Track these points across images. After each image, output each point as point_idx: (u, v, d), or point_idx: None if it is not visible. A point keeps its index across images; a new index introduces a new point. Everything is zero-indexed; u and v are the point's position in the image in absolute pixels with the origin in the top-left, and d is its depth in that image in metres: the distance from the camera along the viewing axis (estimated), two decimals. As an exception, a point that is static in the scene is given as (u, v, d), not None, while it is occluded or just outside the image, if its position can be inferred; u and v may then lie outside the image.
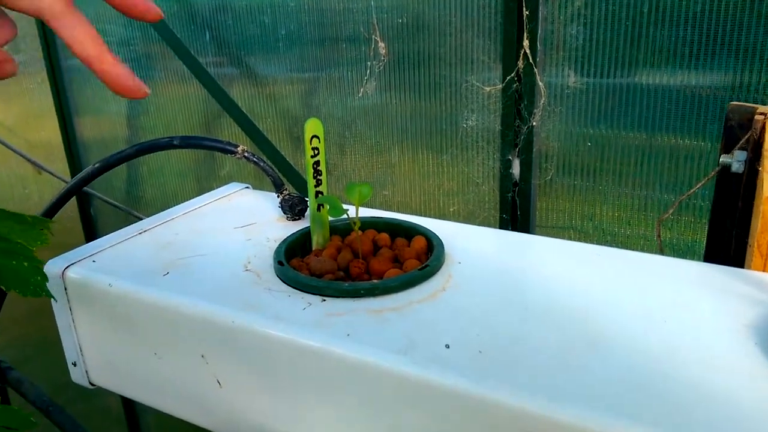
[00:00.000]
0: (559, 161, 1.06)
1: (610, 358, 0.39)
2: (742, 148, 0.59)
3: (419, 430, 0.40)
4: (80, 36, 0.35)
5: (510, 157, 1.08)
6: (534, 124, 1.04)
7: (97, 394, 2.22)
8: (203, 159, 1.62)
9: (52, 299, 0.55)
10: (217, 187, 0.76)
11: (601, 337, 0.42)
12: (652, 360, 0.39)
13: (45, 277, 0.45)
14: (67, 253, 0.57)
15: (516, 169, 1.09)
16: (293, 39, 1.30)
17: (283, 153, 1.41)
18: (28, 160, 1.96)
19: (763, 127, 0.57)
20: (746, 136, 0.58)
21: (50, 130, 1.90)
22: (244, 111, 1.44)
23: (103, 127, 1.82)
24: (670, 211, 0.89)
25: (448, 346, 0.41)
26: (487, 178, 1.13)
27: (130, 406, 2.10)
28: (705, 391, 0.36)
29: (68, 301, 0.55)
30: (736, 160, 0.59)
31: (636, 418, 0.34)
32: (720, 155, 0.61)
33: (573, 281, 0.50)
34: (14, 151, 1.95)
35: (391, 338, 0.42)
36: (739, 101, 0.62)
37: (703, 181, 0.66)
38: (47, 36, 1.75)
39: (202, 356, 0.49)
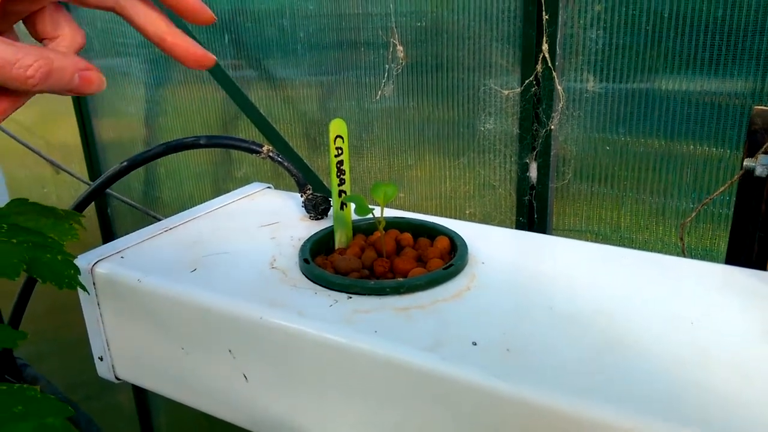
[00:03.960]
0: (577, 165, 1.06)
1: (638, 359, 0.40)
2: (766, 152, 0.59)
3: (446, 428, 0.41)
4: (152, 18, 0.39)
5: (527, 161, 1.08)
6: (552, 127, 1.04)
7: (110, 392, 2.23)
8: (220, 161, 1.63)
9: (83, 292, 0.56)
10: (233, 189, 0.77)
11: (628, 338, 0.42)
12: (681, 362, 0.39)
13: (77, 270, 0.45)
14: (95, 249, 0.58)
15: (533, 173, 1.09)
16: (312, 42, 1.31)
17: (299, 154, 1.42)
18: (47, 160, 1.98)
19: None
20: (770, 141, 0.58)
21: (68, 131, 1.92)
22: (262, 113, 1.45)
23: (121, 128, 1.84)
24: (693, 215, 0.88)
25: (475, 344, 0.41)
26: (504, 181, 1.13)
27: (143, 404, 2.11)
28: (735, 393, 0.36)
29: (96, 295, 0.56)
30: (760, 164, 0.59)
31: (666, 419, 0.34)
32: (743, 159, 0.61)
33: (597, 282, 0.50)
34: (33, 150, 1.97)
35: (418, 335, 0.43)
36: (762, 106, 0.62)
37: (726, 185, 0.66)
38: (67, 37, 1.76)
39: (230, 351, 0.49)
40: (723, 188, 0.79)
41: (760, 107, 0.62)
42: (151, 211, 1.75)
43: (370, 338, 0.43)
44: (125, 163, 0.63)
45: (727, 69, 0.91)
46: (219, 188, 1.68)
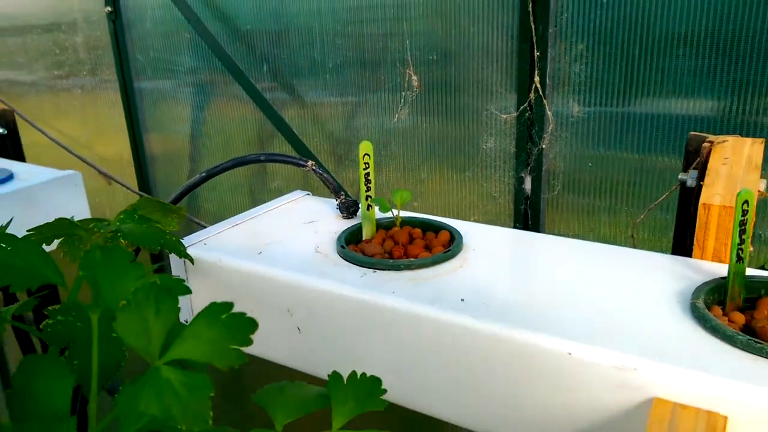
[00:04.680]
0: (565, 179, 1.22)
1: (577, 310, 0.56)
2: (695, 168, 0.75)
3: (441, 355, 0.58)
4: None
5: (522, 175, 1.25)
6: (543, 146, 1.21)
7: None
8: (256, 174, 1.81)
9: (176, 267, 0.73)
10: (268, 198, 0.95)
11: (577, 296, 0.59)
12: (608, 311, 0.56)
13: (184, 246, 0.63)
14: (184, 238, 0.76)
15: (528, 185, 1.26)
16: (339, 71, 1.49)
17: (326, 168, 1.60)
18: (100, 172, 2.19)
19: (709, 152, 0.73)
20: (698, 159, 0.75)
21: (120, 146, 2.12)
22: (295, 132, 1.63)
23: (169, 144, 2.04)
24: (642, 217, 1.05)
25: (462, 300, 0.58)
26: (503, 192, 1.30)
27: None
28: (641, 326, 0.53)
29: (186, 272, 0.74)
30: (690, 177, 0.75)
31: (591, 342, 0.51)
32: (680, 174, 0.77)
33: (559, 261, 0.67)
34: (88, 163, 2.17)
35: (422, 295, 0.60)
36: (696, 132, 0.78)
37: (666, 194, 0.82)
38: (122, 61, 1.97)
39: (288, 310, 0.67)
40: (664, 197, 0.95)
41: (694, 133, 0.78)
42: (195, 218, 1.94)
43: (389, 297, 0.60)
44: (204, 174, 0.81)
45: (689, 97, 1.08)
46: (255, 198, 1.87)
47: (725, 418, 0.45)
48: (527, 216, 1.27)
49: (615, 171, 1.16)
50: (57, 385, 0.37)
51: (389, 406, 0.44)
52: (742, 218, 0.56)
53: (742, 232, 0.57)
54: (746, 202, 0.56)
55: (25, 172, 1.23)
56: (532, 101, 1.19)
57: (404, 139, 1.41)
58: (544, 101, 1.17)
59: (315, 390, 0.46)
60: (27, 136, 1.64)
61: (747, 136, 1.03)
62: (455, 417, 0.59)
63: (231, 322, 0.36)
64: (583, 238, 1.27)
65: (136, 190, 2.09)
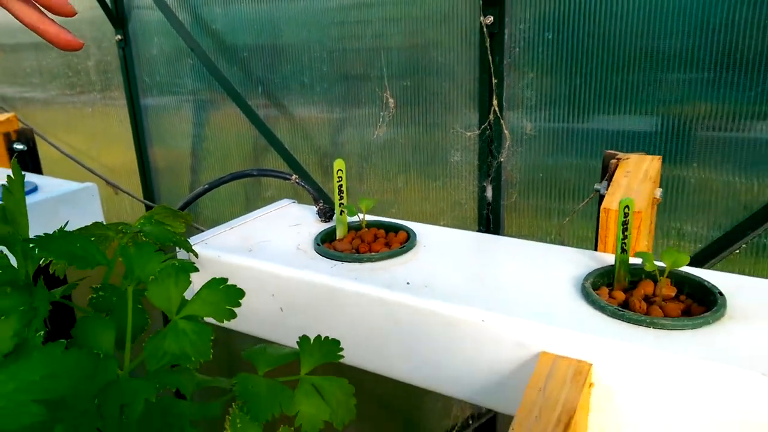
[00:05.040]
0: (521, 187, 1.37)
1: (494, 290, 0.71)
2: (606, 180, 0.91)
3: (392, 328, 0.73)
4: (27, 10, 0.47)
5: (485, 184, 1.40)
6: (501, 159, 1.36)
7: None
8: (251, 185, 1.96)
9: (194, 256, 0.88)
10: (262, 206, 1.10)
11: (497, 280, 0.74)
12: (517, 290, 0.71)
13: (191, 245, 0.77)
14: (189, 238, 0.91)
15: (489, 193, 1.41)
16: (325, 93, 1.65)
17: (314, 178, 1.75)
18: (108, 183, 2.33)
19: (616, 167, 0.89)
20: (609, 172, 0.90)
21: (127, 159, 2.27)
22: (286, 146, 1.78)
23: (171, 157, 2.19)
24: (567, 219, 1.20)
25: (408, 283, 0.74)
26: (468, 199, 1.45)
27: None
28: (539, 300, 0.68)
29: (191, 266, 0.89)
30: (603, 187, 0.90)
31: (499, 312, 0.66)
32: (596, 184, 0.92)
33: (493, 256, 0.82)
34: (97, 175, 2.32)
35: (378, 281, 0.75)
36: (610, 150, 0.94)
37: (585, 201, 0.97)
38: (130, 83, 2.12)
39: (273, 295, 0.82)
40: (584, 203, 1.10)
41: (608, 151, 0.94)
42: (195, 224, 2.09)
43: (352, 282, 0.75)
44: (206, 186, 0.96)
45: (620, 114, 1.24)
46: (249, 206, 2.02)
47: (590, 364, 0.61)
48: (489, 220, 1.42)
49: (562, 179, 1.31)
50: (103, 335, 0.51)
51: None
52: (624, 219, 0.71)
53: (625, 229, 0.72)
54: (627, 206, 0.71)
55: (47, 185, 1.38)
56: (491, 121, 1.34)
57: (383, 153, 1.56)
58: (502, 121, 1.33)
59: (289, 349, 0.61)
60: (41, 150, 1.79)
61: (669, 149, 1.18)
62: (399, 374, 0.74)
63: (226, 290, 0.51)
64: (537, 238, 1.42)
65: (142, 198, 2.24)
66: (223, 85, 1.81)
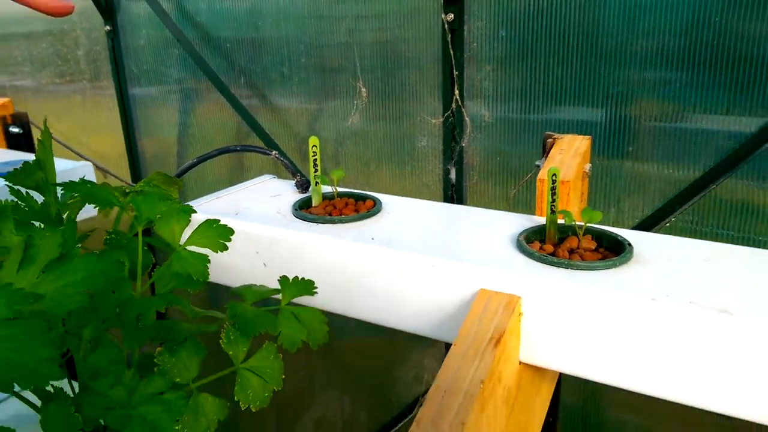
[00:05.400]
0: (480, 170, 1.50)
1: (445, 243, 0.83)
2: (544, 156, 1.03)
3: (358, 274, 0.84)
4: None
5: (449, 167, 1.53)
6: (463, 144, 1.49)
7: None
8: (236, 167, 2.06)
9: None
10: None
11: (447, 235, 0.85)
12: (464, 243, 0.83)
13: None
14: (182, 204, 1.01)
15: (453, 176, 1.53)
16: (303, 83, 1.75)
17: (292, 160, 1.85)
18: (98, 167, 2.41)
19: (552, 145, 1.01)
20: (546, 150, 1.03)
21: (115, 145, 2.35)
22: (267, 132, 1.89)
23: (159, 143, 2.28)
24: (514, 192, 1.33)
25: (373, 239, 0.85)
26: (434, 182, 1.57)
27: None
28: (482, 250, 0.80)
29: (183, 228, 0.99)
30: (541, 163, 1.03)
31: (447, 258, 0.78)
32: (536, 161, 1.05)
33: (446, 218, 0.94)
34: (86, 159, 2.40)
35: (347, 236, 0.86)
36: (549, 132, 1.06)
37: (529, 176, 1.09)
38: (118, 71, 2.20)
39: (257, 252, 0.93)
40: (527, 177, 1.23)
41: (547, 133, 1.06)
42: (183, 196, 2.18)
43: (325, 237, 0.87)
44: (195, 160, 1.06)
45: (569, 104, 1.36)
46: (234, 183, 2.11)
47: (519, 298, 0.73)
48: (453, 200, 1.54)
49: (516, 162, 1.44)
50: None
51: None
52: (552, 185, 0.84)
53: (553, 194, 0.84)
54: (554, 174, 0.83)
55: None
56: (454, 109, 1.46)
57: (356, 139, 1.67)
58: (463, 109, 1.45)
59: (271, 288, 0.72)
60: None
61: (609, 136, 1.31)
62: (363, 315, 0.86)
63: (219, 228, 0.62)
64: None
65: (130, 182, 2.33)
66: (207, 73, 1.90)
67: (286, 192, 1.10)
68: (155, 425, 0.51)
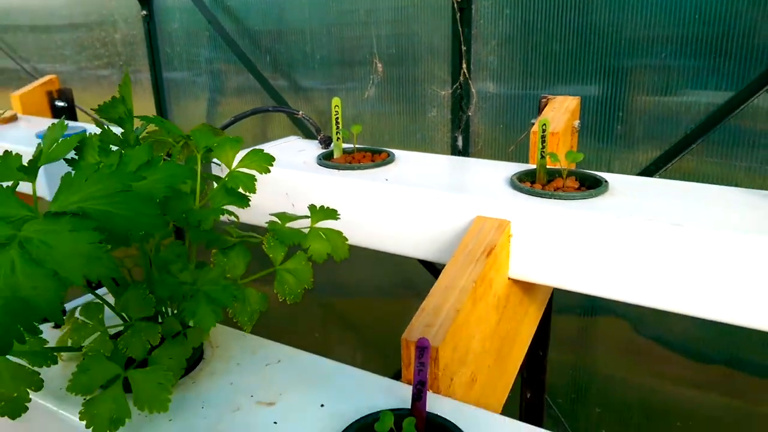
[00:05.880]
0: (485, 137, 1.62)
1: (450, 183, 0.96)
2: (539, 115, 1.15)
3: (374, 207, 0.97)
4: None
5: (456, 135, 1.64)
6: (470, 114, 1.60)
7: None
8: (257, 135, 2.19)
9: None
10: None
11: (453, 178, 0.98)
12: (466, 182, 0.95)
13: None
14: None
15: (460, 143, 1.65)
16: (324, 61, 1.88)
17: (315, 137, 1.98)
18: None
19: (545, 105, 1.13)
20: (540, 109, 1.15)
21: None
22: (290, 108, 2.01)
23: (189, 121, 2.42)
24: (512, 148, 1.45)
25: (386, 180, 0.98)
26: (443, 149, 1.69)
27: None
28: (480, 187, 0.92)
29: (223, 176, 1.12)
30: (534, 124, 1.14)
31: (450, 191, 0.90)
32: (533, 119, 1.17)
33: (452, 165, 1.06)
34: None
35: (364, 178, 0.99)
36: (546, 95, 1.18)
37: (526, 133, 1.20)
38: (153, 53, 2.34)
39: (286, 194, 1.06)
40: (525, 134, 1.35)
41: (543, 95, 1.18)
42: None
43: (346, 179, 0.99)
44: (232, 119, 1.19)
45: (566, 83, 1.48)
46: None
47: (509, 221, 0.85)
48: (460, 166, 1.66)
49: (518, 131, 1.55)
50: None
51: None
52: (543, 134, 0.96)
53: (543, 141, 0.96)
54: (544, 124, 0.95)
55: (92, 129, 1.61)
56: (461, 82, 1.58)
57: (372, 111, 1.80)
58: (470, 82, 1.56)
59: (301, 215, 0.85)
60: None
61: (603, 111, 1.43)
62: (376, 243, 0.98)
63: (263, 154, 0.75)
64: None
65: (163, 157, 2.47)
66: (237, 54, 2.03)
67: (310, 148, 1.23)
68: (215, 299, 0.64)
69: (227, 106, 2.22)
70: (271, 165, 0.76)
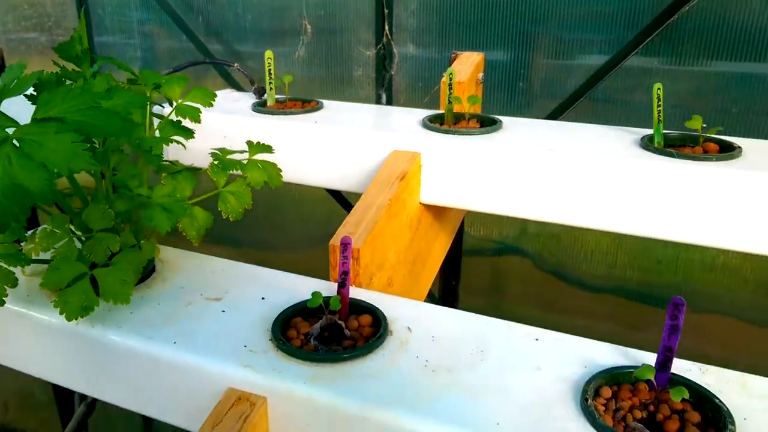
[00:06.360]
0: (406, 94, 1.75)
1: (365, 125, 1.08)
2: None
3: (303, 148, 1.08)
4: None
5: (380, 92, 1.77)
6: (392, 73, 1.73)
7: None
8: (191, 86, 2.23)
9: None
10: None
11: (370, 121, 1.10)
12: (379, 126, 1.08)
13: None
14: (162, 104, 1.22)
15: (384, 100, 1.77)
16: (256, 22, 1.94)
17: (248, 96, 2.05)
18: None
19: (454, 59, 1.27)
20: (450, 63, 1.29)
21: (80, 83, 2.47)
22: (226, 60, 2.06)
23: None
24: (427, 99, 1.60)
25: (315, 122, 1.09)
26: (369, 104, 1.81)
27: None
28: (395, 126, 1.05)
29: (165, 122, 1.21)
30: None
31: (371, 129, 1.03)
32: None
33: (375, 112, 1.18)
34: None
35: (296, 120, 1.10)
36: (456, 51, 1.32)
37: (438, 86, 1.35)
38: (85, 17, 2.31)
39: (224, 137, 1.15)
40: (436, 87, 1.50)
41: (454, 51, 1.32)
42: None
43: (280, 122, 1.10)
44: (171, 70, 1.27)
45: (476, 47, 1.62)
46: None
47: (420, 153, 0.99)
48: (384, 122, 1.78)
49: (433, 86, 1.69)
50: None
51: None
52: (450, 83, 1.10)
53: (450, 88, 1.10)
54: (451, 74, 1.09)
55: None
56: (384, 43, 1.70)
57: (302, 70, 1.89)
58: (392, 43, 1.68)
59: (240, 149, 0.95)
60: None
61: (509, 71, 1.58)
62: (307, 179, 1.10)
63: (206, 91, 0.85)
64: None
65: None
66: (170, 14, 2.06)
67: (245, 99, 1.32)
68: (169, 208, 0.74)
69: (159, 68, 2.24)
70: (213, 100, 0.86)
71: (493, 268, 1.81)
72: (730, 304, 1.59)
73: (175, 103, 0.84)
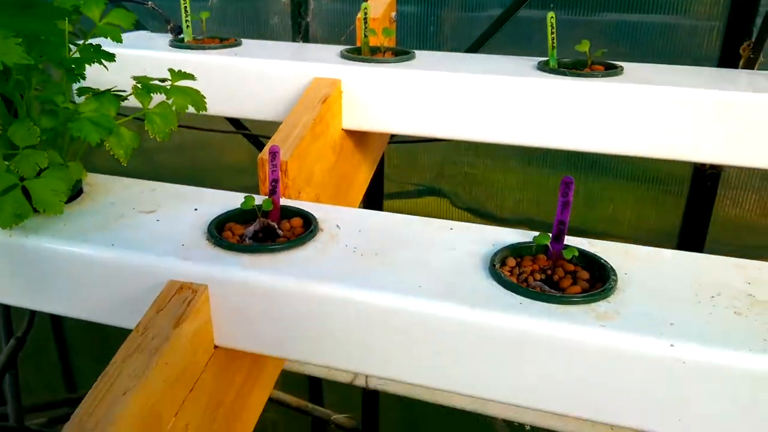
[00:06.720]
0: (322, 39, 1.77)
1: (290, 56, 1.11)
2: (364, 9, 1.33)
3: (224, 85, 1.10)
4: None
5: (297, 40, 1.78)
6: (308, 20, 1.75)
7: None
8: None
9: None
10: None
11: (292, 54, 1.13)
12: (300, 55, 1.11)
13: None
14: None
15: (300, 47, 1.79)
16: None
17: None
18: None
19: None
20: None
21: None
22: None
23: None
24: (343, 38, 1.65)
25: (236, 54, 1.11)
26: (286, 53, 1.82)
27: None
28: (314, 58, 1.09)
29: (79, 58, 1.18)
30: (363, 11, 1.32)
31: (289, 59, 1.06)
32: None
33: (292, 49, 1.21)
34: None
35: (213, 54, 1.11)
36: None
37: (354, 25, 1.40)
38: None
39: (144, 71, 1.15)
40: (352, 27, 1.54)
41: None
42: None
43: (199, 57, 1.11)
44: (83, 6, 1.23)
45: None
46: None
47: (340, 80, 1.03)
48: (302, 69, 1.80)
49: (352, 30, 1.73)
50: (50, 41, 0.83)
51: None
52: (365, 17, 1.14)
53: (365, 22, 1.14)
54: (366, 9, 1.13)
55: None
56: (300, -9, 1.72)
57: (216, 18, 1.86)
58: (308, -9, 1.70)
59: (162, 77, 0.96)
60: None
61: (421, 19, 1.64)
62: (227, 110, 1.12)
63: (126, 13, 0.85)
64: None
65: None
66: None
67: (161, 38, 1.31)
68: (97, 121, 0.75)
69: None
70: (134, 22, 0.86)
71: (413, 208, 1.90)
72: (627, 226, 1.76)
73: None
